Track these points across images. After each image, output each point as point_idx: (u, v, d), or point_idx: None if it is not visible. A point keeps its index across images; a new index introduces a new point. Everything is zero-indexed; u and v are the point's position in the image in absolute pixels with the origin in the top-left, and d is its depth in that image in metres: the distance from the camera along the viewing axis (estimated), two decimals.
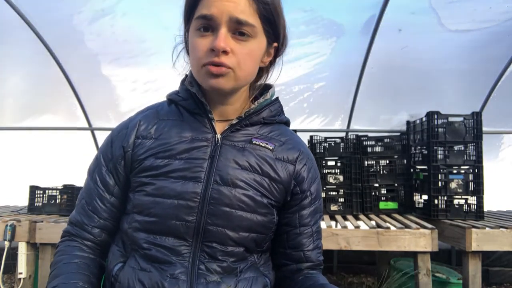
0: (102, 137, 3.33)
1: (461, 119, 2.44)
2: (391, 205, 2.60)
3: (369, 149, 2.69)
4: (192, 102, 0.82)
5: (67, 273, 0.75)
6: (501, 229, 2.10)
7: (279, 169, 0.80)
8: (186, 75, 0.87)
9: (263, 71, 0.86)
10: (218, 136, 0.80)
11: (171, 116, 0.83)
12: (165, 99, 0.90)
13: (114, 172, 0.82)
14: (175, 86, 0.90)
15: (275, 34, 0.79)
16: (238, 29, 0.71)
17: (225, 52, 0.71)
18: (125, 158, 0.81)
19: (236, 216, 0.75)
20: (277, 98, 0.90)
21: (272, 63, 0.87)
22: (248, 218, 0.76)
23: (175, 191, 0.73)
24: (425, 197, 2.54)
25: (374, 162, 2.67)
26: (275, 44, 0.82)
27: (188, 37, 0.78)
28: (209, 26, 0.72)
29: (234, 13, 0.70)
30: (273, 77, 0.89)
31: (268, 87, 0.89)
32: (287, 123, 0.91)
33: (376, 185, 2.64)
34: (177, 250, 0.73)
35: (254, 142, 0.81)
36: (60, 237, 0.86)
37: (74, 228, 0.83)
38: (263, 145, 0.81)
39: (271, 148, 0.81)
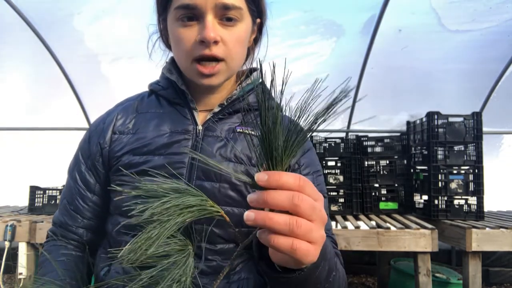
0: None
1: (461, 119, 2.44)
2: (391, 205, 2.60)
3: (369, 149, 2.70)
4: (172, 91, 0.78)
5: (53, 271, 0.74)
6: (501, 229, 2.10)
7: None
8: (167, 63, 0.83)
9: (248, 51, 0.80)
10: (200, 127, 0.75)
11: (150, 108, 0.79)
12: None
13: (94, 170, 0.78)
14: None
15: (259, 11, 0.75)
16: (225, 15, 0.67)
17: (215, 42, 0.66)
18: (103, 155, 0.77)
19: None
20: (262, 82, 0.85)
21: (256, 40, 0.82)
22: (236, 213, 0.70)
23: None
24: (425, 197, 2.53)
25: (374, 162, 2.67)
26: (259, 20, 0.77)
27: (167, 26, 0.73)
28: (193, 15, 0.67)
29: None
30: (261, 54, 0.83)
31: (253, 70, 0.82)
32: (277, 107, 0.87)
33: (376, 185, 2.64)
34: None
35: (238, 130, 0.75)
36: (45, 237, 0.84)
37: (58, 228, 0.81)
38: (248, 132, 0.75)
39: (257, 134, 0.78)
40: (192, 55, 0.68)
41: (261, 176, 0.42)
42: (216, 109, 0.76)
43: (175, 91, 0.78)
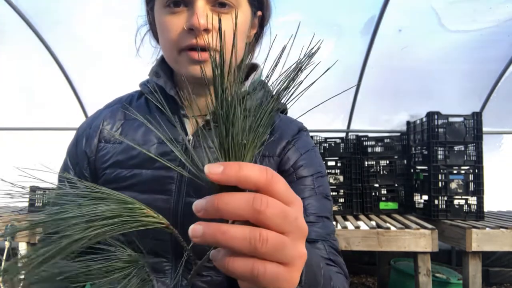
0: None
1: (461, 119, 2.44)
2: (391, 205, 2.60)
3: (369, 150, 2.70)
4: (160, 95, 0.72)
5: None
6: (501, 229, 2.10)
7: None
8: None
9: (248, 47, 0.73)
10: (190, 137, 0.68)
11: (138, 113, 0.71)
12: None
13: (83, 178, 0.72)
14: None
15: (259, 1, 0.68)
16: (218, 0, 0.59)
17: (206, 31, 0.58)
18: (90, 164, 0.71)
19: None
20: (261, 82, 0.76)
21: (257, 37, 0.73)
22: None
23: None
24: (425, 197, 2.54)
25: (374, 162, 2.67)
26: (259, 13, 0.69)
27: (154, 16, 0.66)
28: (181, 0, 0.60)
29: None
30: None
31: (254, 67, 0.73)
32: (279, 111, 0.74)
33: (376, 185, 2.64)
34: (158, 268, 0.65)
35: None
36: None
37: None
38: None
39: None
40: (178, 45, 0.61)
41: (213, 168, 0.30)
42: (209, 116, 0.67)
43: (163, 95, 0.72)
